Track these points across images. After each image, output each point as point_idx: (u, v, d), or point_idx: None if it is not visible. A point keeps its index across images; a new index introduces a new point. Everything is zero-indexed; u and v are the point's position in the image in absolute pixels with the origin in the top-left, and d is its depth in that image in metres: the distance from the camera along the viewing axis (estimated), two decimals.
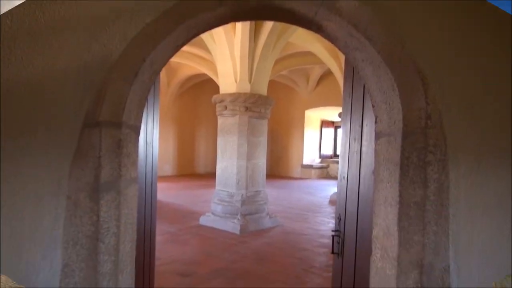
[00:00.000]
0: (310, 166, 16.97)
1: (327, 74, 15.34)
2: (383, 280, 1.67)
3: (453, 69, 1.51)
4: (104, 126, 1.45)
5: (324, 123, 17.99)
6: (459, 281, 1.51)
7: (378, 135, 1.77)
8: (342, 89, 8.51)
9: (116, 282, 1.53)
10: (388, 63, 1.52)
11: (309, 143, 17.46)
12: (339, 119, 13.88)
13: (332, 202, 10.39)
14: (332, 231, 2.39)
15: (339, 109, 12.06)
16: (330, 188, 13.20)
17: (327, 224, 7.72)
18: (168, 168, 16.19)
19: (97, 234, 1.45)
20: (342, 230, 2.32)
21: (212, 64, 12.12)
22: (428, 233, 1.50)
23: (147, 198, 2.11)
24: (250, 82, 6.95)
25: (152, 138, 2.17)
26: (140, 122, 1.77)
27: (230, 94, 7.00)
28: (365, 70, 1.72)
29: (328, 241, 6.39)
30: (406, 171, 1.53)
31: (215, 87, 8.99)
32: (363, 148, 2.07)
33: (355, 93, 2.24)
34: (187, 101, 16.58)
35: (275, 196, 10.83)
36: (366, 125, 2.05)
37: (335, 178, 16.24)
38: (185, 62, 12.98)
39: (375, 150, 1.80)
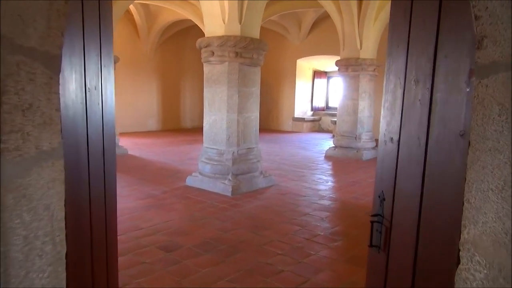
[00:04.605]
0: (302, 119, 16.24)
1: (322, 19, 14.23)
2: None
3: None
4: None
5: (317, 74, 17.05)
6: None
7: (484, 70, 0.99)
8: (340, 33, 7.49)
9: None
10: None
11: (301, 95, 16.62)
12: (333, 69, 12.95)
13: (328, 157, 9.77)
14: (371, 215, 1.68)
15: (335, 58, 11.08)
16: (324, 142, 12.58)
17: (326, 183, 7.11)
18: (152, 123, 15.29)
19: None
20: (387, 215, 1.60)
21: (196, 8, 10.90)
22: None
23: (94, 181, 1.27)
24: (240, 22, 5.97)
25: (100, 82, 1.33)
26: (59, 47, 0.96)
27: (218, 37, 6.03)
28: None
29: (330, 203, 5.79)
30: None
31: (200, 34, 7.95)
32: (437, 95, 1.30)
33: (416, 8, 1.43)
34: (170, 50, 15.34)
35: (267, 151, 10.15)
36: (446, 56, 1.26)
37: (327, 131, 15.60)
38: (166, 5, 11.74)
39: (476, 97, 1.02)
